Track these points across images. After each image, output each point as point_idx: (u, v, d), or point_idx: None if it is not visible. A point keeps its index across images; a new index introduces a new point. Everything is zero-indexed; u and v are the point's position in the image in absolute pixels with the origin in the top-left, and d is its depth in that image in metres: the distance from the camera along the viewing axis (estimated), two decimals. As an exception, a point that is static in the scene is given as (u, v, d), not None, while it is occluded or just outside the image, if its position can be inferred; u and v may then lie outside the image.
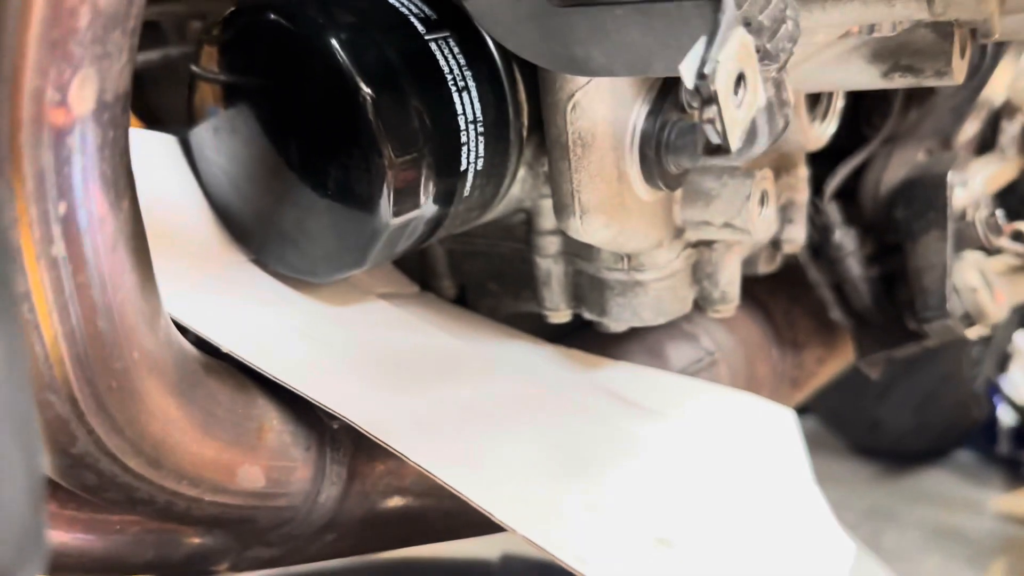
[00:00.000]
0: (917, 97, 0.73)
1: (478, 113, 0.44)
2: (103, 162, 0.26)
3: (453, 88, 0.43)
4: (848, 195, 0.74)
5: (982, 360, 1.45)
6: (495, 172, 0.46)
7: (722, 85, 0.28)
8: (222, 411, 0.35)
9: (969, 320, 0.69)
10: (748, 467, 0.50)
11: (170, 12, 0.50)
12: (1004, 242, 0.72)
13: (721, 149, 0.29)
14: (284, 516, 0.38)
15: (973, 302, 0.68)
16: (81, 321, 0.28)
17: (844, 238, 0.71)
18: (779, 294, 0.77)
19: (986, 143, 0.84)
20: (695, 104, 0.28)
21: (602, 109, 0.43)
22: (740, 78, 0.29)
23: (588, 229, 0.45)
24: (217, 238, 0.46)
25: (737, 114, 0.29)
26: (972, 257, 0.70)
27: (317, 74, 0.41)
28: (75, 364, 0.28)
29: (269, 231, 0.46)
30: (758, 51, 0.33)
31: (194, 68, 0.45)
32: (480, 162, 0.45)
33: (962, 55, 0.45)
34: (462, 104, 0.43)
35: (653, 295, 0.50)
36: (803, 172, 0.62)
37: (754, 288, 0.78)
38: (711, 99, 0.28)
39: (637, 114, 0.44)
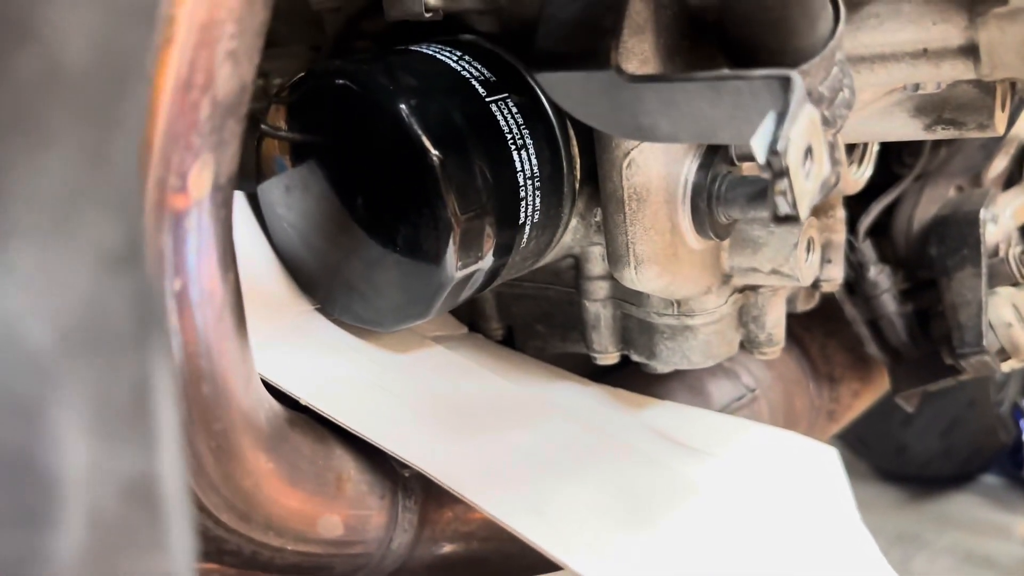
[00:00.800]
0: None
1: (536, 169, 0.46)
2: (215, 240, 0.28)
3: (512, 147, 0.45)
4: (881, 232, 0.75)
5: (1007, 384, 1.45)
6: (550, 223, 0.48)
7: (794, 160, 0.30)
8: (305, 463, 0.36)
9: (1004, 355, 0.70)
10: (797, 507, 0.52)
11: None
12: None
13: (790, 218, 0.31)
14: (359, 563, 0.40)
15: (1008, 337, 0.69)
16: (188, 387, 0.30)
17: (879, 275, 0.72)
18: (815, 330, 0.78)
19: (1012, 177, 0.86)
20: (766, 176, 0.30)
21: (656, 165, 0.45)
22: (808, 151, 0.31)
23: (643, 279, 0.46)
24: (286, 289, 0.48)
25: (806, 185, 0.31)
26: (1006, 292, 0.71)
27: (386, 136, 0.43)
28: (181, 427, 0.29)
29: (336, 282, 0.47)
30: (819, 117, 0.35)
31: (264, 126, 0.47)
32: (537, 215, 0.47)
33: (1003, 107, 0.47)
34: (521, 161, 0.45)
35: (702, 339, 0.52)
36: (841, 213, 0.63)
37: (790, 324, 0.80)
38: (783, 173, 0.30)
39: (688, 168, 0.46)
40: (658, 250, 0.46)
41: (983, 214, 0.71)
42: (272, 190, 0.48)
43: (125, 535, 0.16)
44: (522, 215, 0.46)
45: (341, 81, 0.44)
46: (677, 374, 0.65)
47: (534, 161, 0.46)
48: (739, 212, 0.46)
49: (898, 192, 0.73)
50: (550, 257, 0.52)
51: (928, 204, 0.75)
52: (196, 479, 0.31)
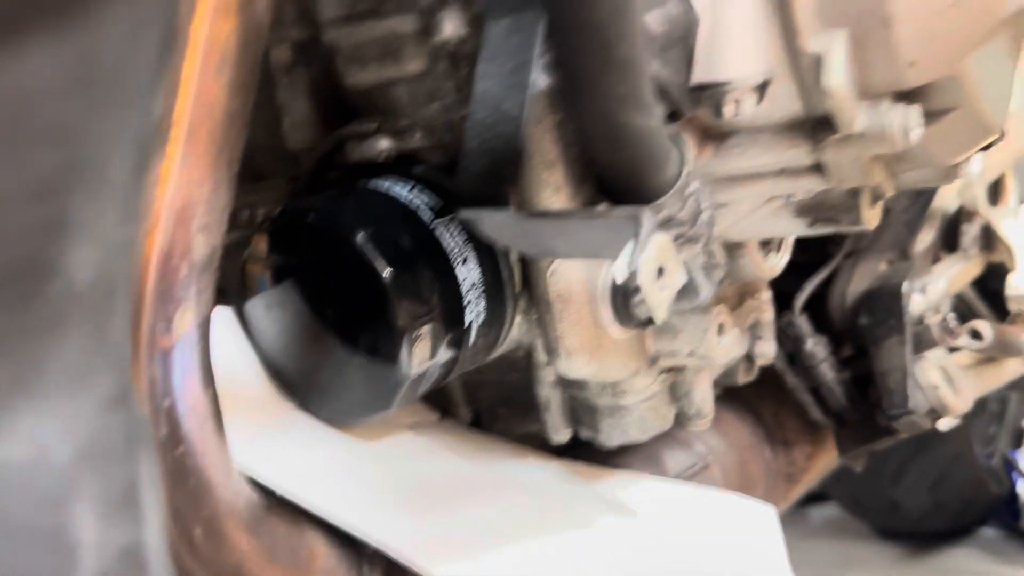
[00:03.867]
0: (873, 215, 0.83)
1: (478, 277, 0.54)
2: (196, 365, 0.36)
3: (455, 261, 0.53)
4: (819, 305, 0.83)
5: (997, 436, 1.49)
6: (496, 322, 0.56)
7: (644, 279, 0.38)
8: (281, 542, 0.44)
9: (935, 414, 0.77)
10: (725, 561, 0.58)
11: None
12: (963, 341, 0.80)
13: (651, 321, 0.39)
14: (333, 627, 0.47)
15: (936, 398, 0.76)
16: (178, 481, 0.37)
17: (815, 347, 0.79)
18: (767, 398, 0.85)
19: (950, 245, 0.93)
20: (628, 291, 0.38)
21: (576, 271, 0.53)
22: (660, 270, 0.39)
23: (573, 367, 0.54)
24: (269, 392, 0.56)
25: (660, 295, 0.39)
26: (934, 355, 0.78)
27: (347, 261, 0.51)
28: (173, 515, 0.37)
29: (312, 384, 0.55)
30: (680, 237, 0.43)
31: (248, 253, 0.56)
32: (482, 316, 0.55)
33: (871, 205, 0.55)
34: (463, 272, 0.54)
35: (637, 415, 0.59)
36: (766, 295, 0.71)
37: (744, 393, 0.87)
38: (638, 289, 0.38)
39: (606, 272, 0.54)
40: (584, 342, 0.54)
41: (906, 286, 0.79)
42: (256, 307, 0.57)
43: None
44: (467, 317, 0.54)
45: (311, 217, 0.53)
46: (634, 446, 0.72)
47: (476, 271, 0.55)
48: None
49: (829, 270, 0.81)
50: (503, 349, 0.60)
51: (860, 279, 0.83)
52: (190, 557, 0.39)
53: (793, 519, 1.80)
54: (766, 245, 0.69)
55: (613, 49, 0.33)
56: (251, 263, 0.56)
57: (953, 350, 0.82)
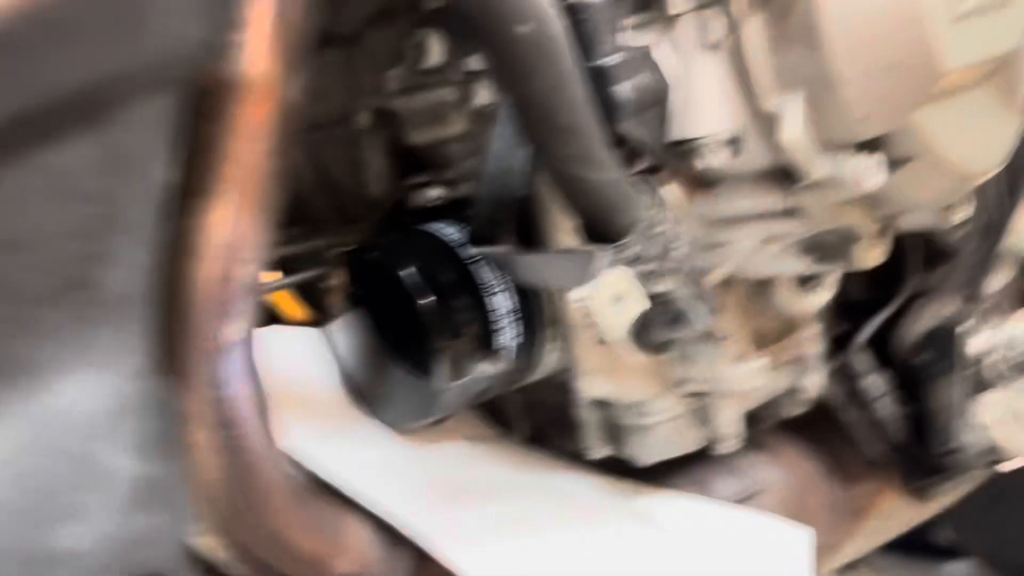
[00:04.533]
0: (943, 256, 0.84)
1: (512, 307, 0.63)
2: (242, 365, 0.47)
3: (488, 292, 0.62)
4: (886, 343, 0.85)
5: None
6: (530, 346, 0.65)
7: (597, 305, 0.45)
8: (317, 516, 0.54)
9: (992, 454, 0.77)
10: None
11: (315, 245, 0.74)
12: (1027, 383, 0.80)
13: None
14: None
15: (989, 438, 0.76)
16: (230, 457, 0.48)
17: (874, 383, 0.81)
18: (833, 432, 0.88)
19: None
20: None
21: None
22: (617, 297, 0.46)
23: (591, 387, 0.61)
24: (343, 400, 0.67)
25: (615, 320, 0.46)
26: (993, 397, 0.78)
27: (397, 292, 0.62)
28: (224, 484, 0.48)
29: (375, 394, 0.66)
30: (655, 272, 0.50)
31: (329, 283, 0.68)
32: (516, 340, 0.63)
33: (876, 245, 0.59)
34: (496, 303, 0.62)
35: (660, 435, 0.65)
36: (813, 331, 0.75)
37: (811, 427, 0.90)
38: (591, 314, 0.45)
39: (622, 302, 0.61)
40: (599, 364, 0.61)
41: (961, 327, 0.80)
42: (336, 329, 0.68)
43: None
44: (500, 341, 0.63)
45: (372, 255, 0.64)
46: (683, 469, 0.78)
47: (512, 299, 0.63)
48: (662, 333, 0.60)
49: (891, 310, 0.83)
50: (546, 371, 0.68)
51: (926, 319, 0.84)
52: (235, 520, 0.50)
53: (926, 574, 1.73)
54: (807, 283, 0.74)
55: (555, 118, 0.42)
56: (333, 293, 0.68)
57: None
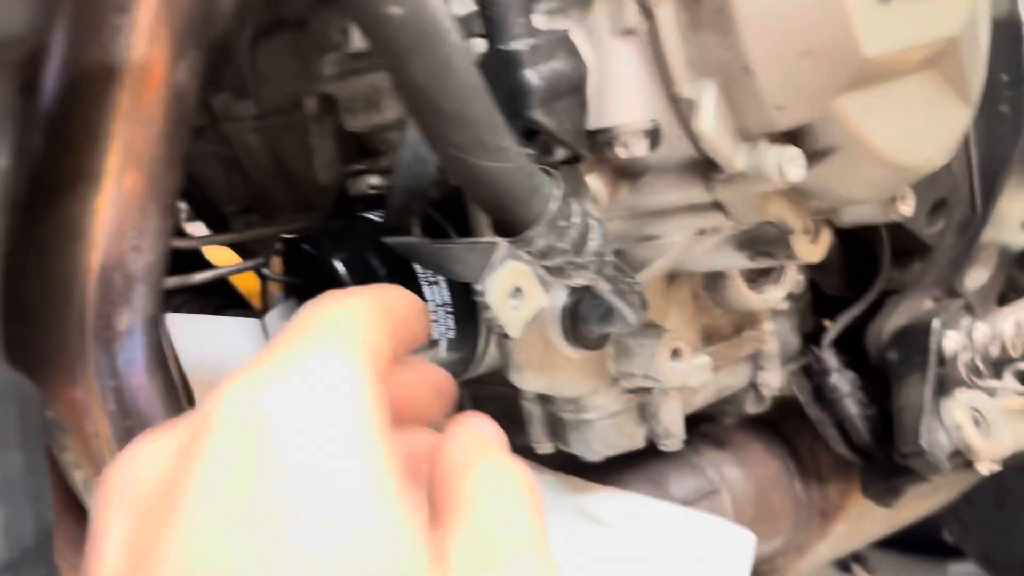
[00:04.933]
0: (920, 251, 0.82)
1: (447, 298, 0.62)
2: (141, 354, 0.46)
3: (424, 282, 0.61)
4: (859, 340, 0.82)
5: None
6: (466, 339, 0.63)
7: (492, 298, 0.44)
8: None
9: (961, 456, 0.74)
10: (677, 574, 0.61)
11: (271, 232, 0.74)
12: (1007, 382, 0.77)
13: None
14: None
15: (960, 439, 0.74)
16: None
17: (839, 381, 0.79)
18: (804, 431, 0.85)
19: (1029, 285, 0.89)
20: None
21: (524, 295, 0.59)
22: (516, 290, 0.45)
23: (524, 380, 0.60)
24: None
25: (513, 314, 0.45)
26: (964, 396, 0.75)
27: (329, 281, 0.61)
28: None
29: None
30: (570, 264, 0.48)
31: (266, 272, 0.67)
32: (449, 334, 0.62)
33: (815, 239, 0.57)
34: (431, 294, 0.61)
35: (599, 431, 0.64)
36: (768, 326, 0.73)
37: (782, 425, 0.87)
38: (488, 306, 0.44)
39: (557, 295, 0.60)
40: (531, 358, 0.59)
41: (936, 323, 0.77)
42: (272, 318, 0.67)
43: None
44: (435, 333, 0.61)
45: (305, 244, 0.63)
46: (640, 465, 0.76)
47: (446, 292, 0.62)
48: (597, 328, 0.59)
49: (862, 306, 0.81)
50: (488, 365, 0.67)
51: (901, 315, 0.82)
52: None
53: (931, 574, 1.70)
54: (765, 277, 0.71)
55: (441, 104, 0.40)
56: (270, 282, 0.67)
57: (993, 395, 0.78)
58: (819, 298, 0.85)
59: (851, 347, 0.83)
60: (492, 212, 0.46)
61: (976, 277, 0.83)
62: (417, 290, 0.61)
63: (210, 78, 0.65)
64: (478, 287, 0.44)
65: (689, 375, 0.62)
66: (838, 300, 0.84)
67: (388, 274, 0.61)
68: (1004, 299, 0.87)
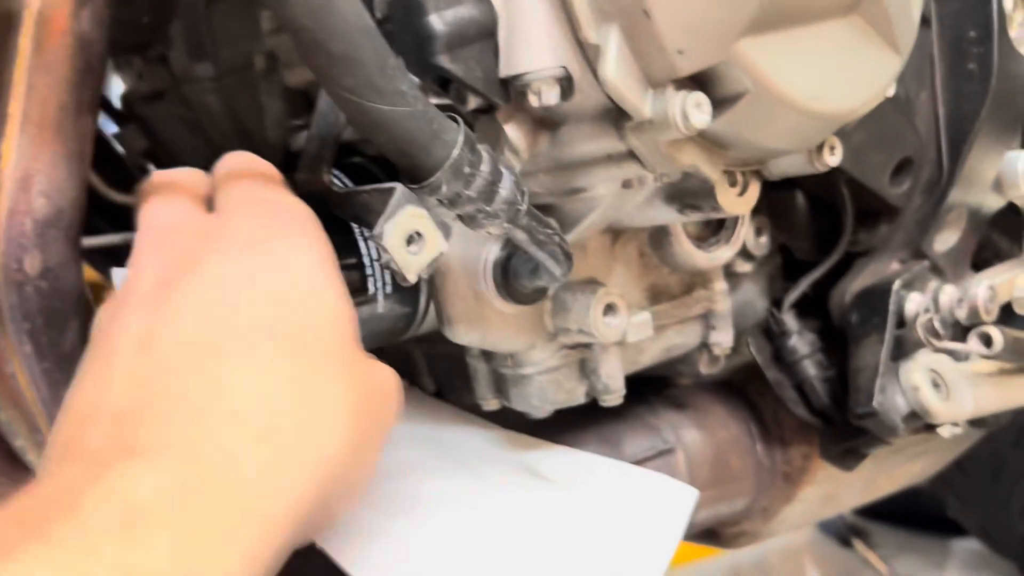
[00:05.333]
0: (889, 213, 0.80)
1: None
2: (43, 300, 0.47)
3: (359, 237, 0.61)
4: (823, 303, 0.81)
5: None
6: (407, 296, 0.64)
7: (389, 242, 0.44)
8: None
9: (917, 418, 0.73)
10: (611, 526, 0.61)
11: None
12: (972, 346, 0.76)
13: (407, 281, 0.45)
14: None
15: (916, 400, 0.73)
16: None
17: (798, 343, 0.78)
18: (768, 395, 0.85)
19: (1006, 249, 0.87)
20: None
21: (455, 247, 0.59)
22: (414, 235, 0.45)
23: (456, 334, 0.60)
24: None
25: (412, 259, 0.45)
26: (924, 358, 0.74)
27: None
28: (45, 412, 0.49)
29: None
30: (480, 213, 0.48)
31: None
32: (388, 287, 0.63)
33: (743, 192, 0.56)
34: (367, 247, 0.62)
35: (537, 386, 0.64)
36: (720, 286, 0.72)
37: (746, 388, 0.87)
38: (386, 250, 0.44)
39: (490, 249, 0.60)
40: (462, 312, 0.60)
41: (896, 284, 0.76)
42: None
43: None
44: (371, 287, 0.62)
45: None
46: (592, 425, 0.76)
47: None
48: (527, 282, 0.59)
49: (825, 268, 0.80)
50: (432, 323, 0.67)
51: (866, 277, 0.81)
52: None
53: (933, 550, 1.68)
54: (716, 237, 0.71)
55: (328, 45, 0.40)
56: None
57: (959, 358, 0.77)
58: (792, 264, 0.84)
59: (821, 312, 0.82)
60: (394, 158, 0.46)
61: (945, 239, 0.81)
62: (353, 244, 0.62)
63: (148, 33, 0.66)
64: (376, 231, 0.44)
65: (625, 331, 0.62)
66: (809, 265, 0.83)
67: (327, 227, 0.61)
68: (986, 264, 0.85)
